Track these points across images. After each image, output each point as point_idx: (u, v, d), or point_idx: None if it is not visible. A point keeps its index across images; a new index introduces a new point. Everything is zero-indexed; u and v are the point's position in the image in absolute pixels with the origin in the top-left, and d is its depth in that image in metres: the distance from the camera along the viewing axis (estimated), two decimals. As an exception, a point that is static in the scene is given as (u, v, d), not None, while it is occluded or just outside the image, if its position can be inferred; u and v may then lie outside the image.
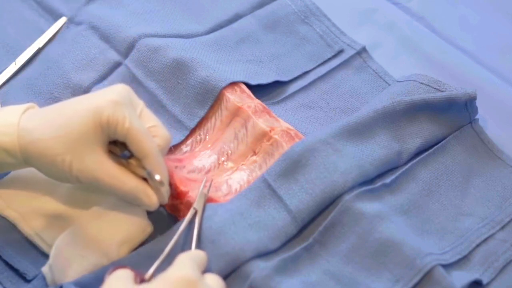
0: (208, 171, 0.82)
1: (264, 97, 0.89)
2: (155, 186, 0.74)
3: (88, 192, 0.78)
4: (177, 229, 0.74)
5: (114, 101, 0.73)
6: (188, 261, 0.67)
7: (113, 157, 0.74)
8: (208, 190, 0.77)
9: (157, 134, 0.76)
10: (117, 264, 0.69)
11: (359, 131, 0.82)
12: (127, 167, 0.74)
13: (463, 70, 0.94)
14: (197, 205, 0.76)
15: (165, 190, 0.75)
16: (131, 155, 0.75)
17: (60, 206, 0.78)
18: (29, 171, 0.79)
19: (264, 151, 0.82)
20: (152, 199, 0.74)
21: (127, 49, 0.90)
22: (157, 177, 0.73)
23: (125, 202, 0.76)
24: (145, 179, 0.74)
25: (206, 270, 0.71)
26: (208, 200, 0.77)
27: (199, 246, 0.73)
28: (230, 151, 0.83)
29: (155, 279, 0.67)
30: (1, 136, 0.72)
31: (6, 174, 0.80)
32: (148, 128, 0.75)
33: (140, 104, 0.76)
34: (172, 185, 0.78)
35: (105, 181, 0.73)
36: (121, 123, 0.72)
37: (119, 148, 0.75)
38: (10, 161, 0.73)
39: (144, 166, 0.74)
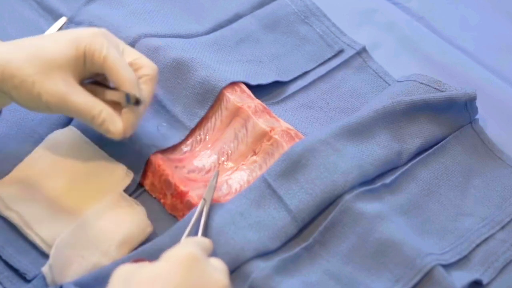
0: (208, 171, 0.82)
1: (264, 97, 0.89)
2: (130, 109, 0.75)
3: (88, 192, 0.78)
4: (177, 228, 0.74)
5: (93, 32, 0.75)
6: (193, 242, 0.67)
7: (86, 87, 0.76)
8: (216, 182, 0.78)
9: (143, 65, 0.78)
10: (117, 264, 0.69)
11: (359, 131, 0.82)
12: (100, 96, 0.76)
13: (463, 70, 0.94)
14: (207, 196, 0.76)
15: (141, 112, 0.76)
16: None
17: (60, 206, 0.78)
18: (29, 171, 0.79)
19: (264, 151, 0.82)
20: (117, 125, 0.75)
21: (127, 49, 0.90)
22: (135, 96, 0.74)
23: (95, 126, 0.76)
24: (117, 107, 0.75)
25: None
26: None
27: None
28: (230, 151, 0.83)
29: (160, 258, 0.66)
30: None
31: (6, 174, 0.80)
32: (132, 61, 0.77)
33: (121, 42, 0.78)
34: (172, 185, 0.79)
35: (74, 104, 0.73)
36: (98, 51, 0.74)
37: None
38: None
39: (122, 91, 0.75)
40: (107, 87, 0.77)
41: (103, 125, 0.75)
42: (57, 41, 0.75)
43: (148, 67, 0.78)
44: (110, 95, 0.76)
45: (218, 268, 0.66)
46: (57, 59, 0.73)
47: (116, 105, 0.76)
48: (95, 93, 0.76)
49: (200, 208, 0.75)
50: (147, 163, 0.81)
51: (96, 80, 0.78)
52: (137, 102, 0.75)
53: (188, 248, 0.65)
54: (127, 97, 0.75)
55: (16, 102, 0.75)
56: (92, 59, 0.74)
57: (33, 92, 0.73)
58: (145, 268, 0.64)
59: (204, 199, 0.75)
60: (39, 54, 0.74)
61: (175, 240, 0.73)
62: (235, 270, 0.72)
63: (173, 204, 0.79)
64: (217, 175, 0.78)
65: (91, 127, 0.76)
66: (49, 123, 0.84)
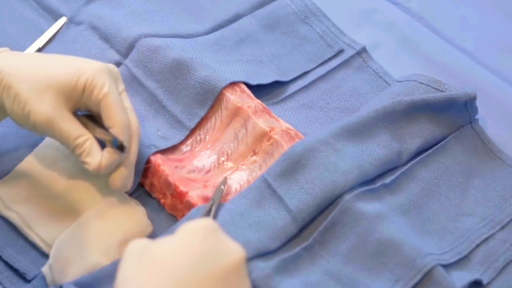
0: (208, 171, 0.82)
1: (264, 97, 0.89)
2: (115, 153, 0.74)
3: (88, 192, 0.78)
4: (176, 227, 0.74)
5: (98, 67, 0.75)
6: (207, 218, 0.68)
7: (78, 118, 0.76)
8: (225, 186, 0.78)
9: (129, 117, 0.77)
10: (117, 265, 0.69)
11: (359, 131, 0.82)
12: (89, 131, 0.75)
13: (463, 70, 0.94)
14: (215, 196, 0.76)
15: (121, 158, 0.75)
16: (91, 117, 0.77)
17: (60, 206, 0.78)
18: (29, 171, 0.79)
19: (264, 151, 0.82)
20: (95, 158, 0.74)
21: (127, 49, 0.90)
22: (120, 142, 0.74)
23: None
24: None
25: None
26: (208, 200, 0.77)
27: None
28: (230, 151, 0.83)
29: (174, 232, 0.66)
30: None
31: (6, 174, 0.80)
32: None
33: (121, 84, 0.78)
34: (172, 185, 0.79)
35: (59, 129, 0.73)
36: (99, 89, 0.74)
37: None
38: None
39: (111, 133, 0.74)
40: (98, 124, 0.77)
41: (82, 154, 0.74)
42: (60, 66, 0.75)
43: (133, 121, 0.77)
44: (99, 133, 0.75)
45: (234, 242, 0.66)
46: (54, 83, 0.73)
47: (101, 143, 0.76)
48: (85, 126, 0.75)
49: (208, 207, 0.75)
50: (147, 163, 0.81)
51: (89, 114, 0.78)
52: (122, 148, 0.74)
53: (205, 220, 0.66)
54: (115, 141, 0.74)
55: (8, 113, 0.75)
56: (91, 95, 0.74)
57: (23, 108, 0.73)
58: (160, 242, 0.64)
59: (213, 199, 0.76)
60: (39, 73, 0.74)
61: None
62: (235, 270, 0.72)
63: (173, 204, 0.79)
64: (225, 181, 0.79)
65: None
66: (49, 123, 0.84)
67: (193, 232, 0.64)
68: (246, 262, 0.66)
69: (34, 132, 0.75)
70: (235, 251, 0.65)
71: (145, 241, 0.65)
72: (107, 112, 0.74)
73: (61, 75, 0.74)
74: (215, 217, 0.74)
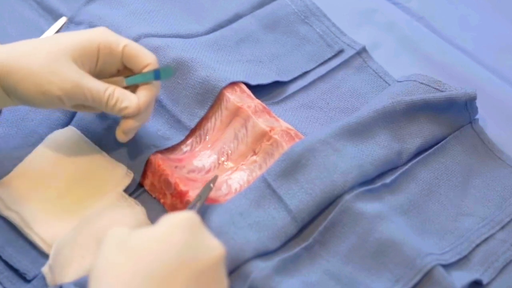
0: (208, 171, 0.82)
1: (264, 97, 0.89)
2: (145, 87, 0.76)
3: (88, 192, 0.78)
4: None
5: (102, 30, 0.76)
6: (189, 211, 0.67)
7: None
8: (213, 184, 0.78)
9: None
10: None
11: (359, 131, 0.82)
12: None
13: (463, 70, 0.94)
14: (202, 193, 0.76)
15: (156, 92, 0.78)
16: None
17: (60, 206, 0.78)
18: (29, 171, 0.79)
19: (264, 151, 0.82)
20: (132, 100, 0.75)
21: (127, 49, 0.90)
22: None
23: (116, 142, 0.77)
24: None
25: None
26: (208, 199, 0.77)
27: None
28: (230, 151, 0.83)
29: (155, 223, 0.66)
30: None
31: (6, 174, 0.80)
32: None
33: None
34: (172, 185, 0.79)
35: (88, 87, 0.73)
36: (116, 43, 0.75)
37: None
38: None
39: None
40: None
41: (117, 102, 0.75)
42: (65, 36, 0.75)
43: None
44: (120, 81, 0.77)
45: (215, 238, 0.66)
46: (65, 52, 0.74)
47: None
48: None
49: (193, 203, 0.74)
50: (147, 163, 0.81)
51: None
52: (169, 73, 0.77)
53: (187, 213, 0.65)
54: (156, 73, 0.76)
55: (21, 99, 0.74)
56: (109, 52, 0.75)
57: (41, 82, 0.72)
58: (140, 232, 0.64)
59: (200, 196, 0.75)
60: (45, 45, 0.74)
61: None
62: (235, 270, 0.72)
63: (173, 204, 0.79)
64: (215, 179, 0.78)
65: (106, 112, 0.77)
66: (49, 123, 0.84)
67: (174, 224, 0.64)
68: (225, 260, 0.66)
69: (56, 106, 0.74)
70: (214, 247, 0.64)
71: (125, 230, 0.65)
72: (137, 56, 0.76)
73: (70, 44, 0.74)
74: (199, 213, 0.74)
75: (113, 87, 0.75)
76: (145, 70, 0.77)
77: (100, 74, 0.77)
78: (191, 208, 0.74)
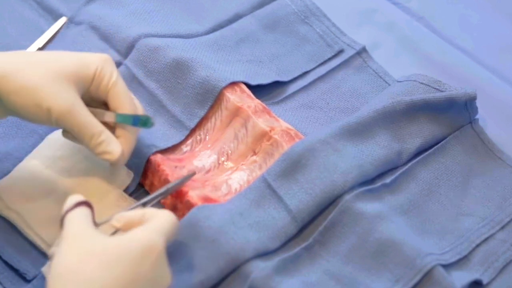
0: (208, 171, 0.82)
1: (264, 97, 0.89)
2: (128, 132, 0.75)
3: (88, 192, 0.78)
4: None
5: (104, 58, 0.75)
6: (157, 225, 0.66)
7: None
8: (186, 180, 0.78)
9: None
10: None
11: (359, 131, 0.82)
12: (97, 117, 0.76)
13: (463, 70, 0.94)
14: (170, 185, 0.76)
15: (135, 138, 0.77)
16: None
17: (60, 206, 0.78)
18: (29, 171, 0.79)
19: (264, 151, 0.82)
20: (116, 145, 0.74)
21: (127, 49, 0.90)
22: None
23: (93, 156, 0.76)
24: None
25: (205, 269, 0.71)
26: (208, 200, 0.77)
27: (199, 245, 0.73)
28: (230, 151, 0.83)
29: (118, 233, 0.67)
30: None
31: (6, 174, 0.80)
32: None
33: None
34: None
35: (79, 117, 0.72)
36: (108, 77, 0.74)
37: None
38: None
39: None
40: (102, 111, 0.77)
41: (101, 144, 0.73)
42: (67, 58, 0.74)
43: (139, 107, 0.78)
44: (108, 116, 0.75)
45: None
46: (65, 73, 0.73)
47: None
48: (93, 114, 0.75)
49: (162, 190, 0.76)
50: (147, 163, 0.81)
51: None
52: (146, 123, 0.76)
53: (152, 241, 0.64)
54: (134, 119, 0.75)
55: (10, 106, 0.72)
56: (100, 84, 0.74)
57: (35, 98, 0.71)
58: (104, 239, 0.64)
59: (167, 187, 0.76)
60: (48, 64, 0.73)
61: (174, 240, 0.73)
62: (235, 270, 0.72)
63: (173, 204, 0.79)
64: (191, 176, 0.78)
65: (85, 147, 0.75)
66: (49, 123, 0.84)
67: (135, 249, 0.63)
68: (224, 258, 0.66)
69: (44, 123, 0.73)
70: (163, 280, 0.65)
71: (89, 230, 0.65)
72: (119, 98, 0.75)
73: (70, 65, 0.73)
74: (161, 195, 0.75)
75: (101, 127, 0.74)
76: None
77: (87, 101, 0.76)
78: (152, 198, 0.75)
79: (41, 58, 0.74)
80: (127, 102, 0.75)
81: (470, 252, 0.78)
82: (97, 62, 0.75)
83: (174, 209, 0.79)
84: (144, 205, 0.74)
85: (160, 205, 0.81)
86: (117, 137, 0.75)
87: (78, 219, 0.66)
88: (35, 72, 0.72)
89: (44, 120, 0.73)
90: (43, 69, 0.72)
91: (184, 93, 0.86)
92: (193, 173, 0.79)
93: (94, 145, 0.74)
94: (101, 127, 0.74)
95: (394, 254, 0.74)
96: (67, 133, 0.77)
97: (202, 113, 0.85)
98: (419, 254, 0.73)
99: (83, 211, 0.67)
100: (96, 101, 0.76)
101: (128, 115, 0.75)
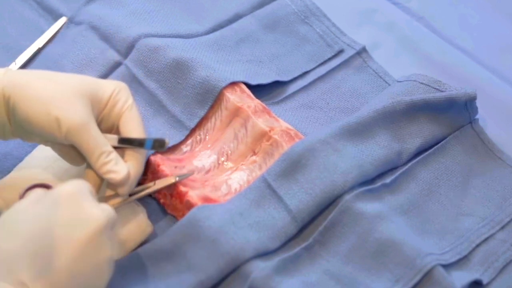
0: (208, 171, 0.82)
1: (264, 97, 0.89)
2: (136, 155, 0.76)
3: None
4: (177, 228, 0.74)
5: (119, 83, 0.76)
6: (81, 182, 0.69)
7: None
8: (180, 179, 0.78)
9: None
10: (116, 265, 0.69)
11: (359, 131, 0.82)
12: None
13: (463, 70, 0.94)
14: (160, 181, 0.77)
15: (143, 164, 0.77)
16: None
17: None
18: (29, 171, 0.79)
19: (264, 151, 0.82)
20: (124, 166, 0.74)
21: (127, 49, 0.90)
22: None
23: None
24: None
25: (205, 269, 0.71)
26: (207, 200, 0.77)
27: (199, 245, 0.73)
28: (230, 151, 0.83)
29: None
30: None
31: (6, 174, 0.80)
32: None
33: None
34: (172, 185, 0.78)
35: (91, 135, 0.72)
36: (123, 101, 0.75)
37: None
38: None
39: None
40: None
41: (109, 163, 0.73)
42: (85, 76, 0.76)
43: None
44: (115, 140, 0.75)
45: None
46: (84, 89, 0.73)
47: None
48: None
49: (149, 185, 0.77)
50: (147, 163, 0.81)
51: None
52: (162, 145, 0.76)
53: (71, 186, 0.67)
54: (148, 142, 0.75)
55: (24, 119, 0.72)
56: (114, 107, 0.75)
57: (47, 107, 0.71)
58: (22, 207, 0.67)
59: (154, 183, 0.77)
60: (65, 79, 0.74)
61: (175, 240, 0.73)
62: (235, 270, 0.72)
63: (173, 204, 0.79)
64: (186, 177, 0.78)
65: (90, 165, 0.74)
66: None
67: (55, 200, 0.66)
68: (105, 229, 0.67)
69: (54, 137, 0.72)
70: (92, 219, 0.66)
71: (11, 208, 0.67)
72: (132, 122, 0.75)
73: (89, 86, 0.74)
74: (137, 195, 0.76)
75: (110, 147, 0.74)
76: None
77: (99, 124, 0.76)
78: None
79: (62, 76, 0.75)
80: (140, 127, 0.76)
81: (470, 252, 0.78)
82: (114, 86, 0.76)
83: (174, 209, 0.79)
84: (131, 195, 0.76)
85: (159, 205, 0.81)
86: (126, 161, 0.75)
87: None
88: (52, 85, 0.73)
89: (53, 131, 0.72)
90: (61, 85, 0.73)
91: (184, 93, 0.86)
92: (192, 173, 0.79)
93: (102, 163, 0.73)
94: (111, 147, 0.74)
95: (394, 254, 0.74)
96: (60, 148, 0.76)
97: (202, 113, 0.85)
98: (419, 254, 0.73)
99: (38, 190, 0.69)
100: (104, 127, 0.76)
101: (146, 139, 0.75)
